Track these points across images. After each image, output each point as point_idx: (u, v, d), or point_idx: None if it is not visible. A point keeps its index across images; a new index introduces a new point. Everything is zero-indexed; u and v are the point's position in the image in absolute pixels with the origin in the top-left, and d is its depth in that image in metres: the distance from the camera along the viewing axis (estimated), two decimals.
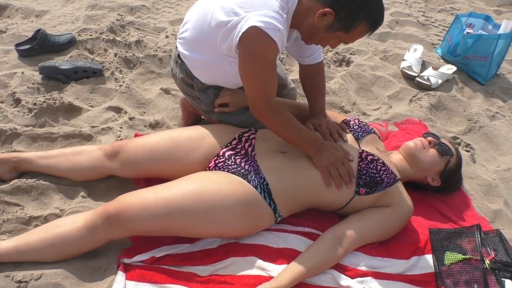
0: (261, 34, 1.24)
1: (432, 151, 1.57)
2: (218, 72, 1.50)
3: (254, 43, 1.26)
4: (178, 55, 1.58)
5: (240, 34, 1.25)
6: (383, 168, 1.43)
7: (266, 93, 1.37)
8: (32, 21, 2.64)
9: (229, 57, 1.38)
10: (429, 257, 1.44)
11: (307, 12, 1.32)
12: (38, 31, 2.26)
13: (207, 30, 1.40)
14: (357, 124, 1.62)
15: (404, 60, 2.57)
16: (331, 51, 2.65)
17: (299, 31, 1.41)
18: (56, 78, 2.09)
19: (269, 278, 1.29)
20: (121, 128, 1.85)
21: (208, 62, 1.47)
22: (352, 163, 1.44)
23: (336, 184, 1.40)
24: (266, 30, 1.23)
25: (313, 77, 1.66)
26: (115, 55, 2.33)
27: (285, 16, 1.30)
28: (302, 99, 2.13)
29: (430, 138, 1.61)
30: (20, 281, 1.23)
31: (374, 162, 1.44)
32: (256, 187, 1.36)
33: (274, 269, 1.32)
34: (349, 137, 1.55)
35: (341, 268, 1.36)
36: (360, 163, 1.43)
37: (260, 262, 1.33)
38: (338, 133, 1.54)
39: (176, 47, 1.59)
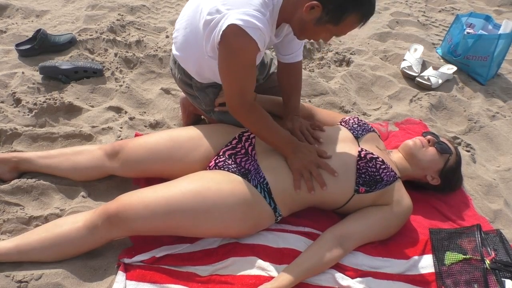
0: (240, 33, 1.22)
1: (431, 150, 1.57)
2: (208, 72, 1.50)
3: (233, 41, 1.25)
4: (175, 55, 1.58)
5: (221, 32, 1.24)
6: (382, 167, 1.43)
7: (242, 91, 1.36)
8: (32, 21, 2.64)
9: (213, 58, 1.36)
10: (429, 257, 1.44)
11: (295, 7, 1.28)
12: (38, 31, 2.26)
13: (196, 29, 1.39)
14: (357, 122, 1.62)
15: (404, 60, 2.57)
16: (332, 51, 2.65)
17: (290, 27, 1.39)
18: (57, 78, 2.09)
19: (269, 278, 1.29)
20: (121, 128, 1.85)
21: (198, 63, 1.48)
22: (350, 162, 1.43)
23: (308, 187, 1.39)
24: (245, 29, 1.21)
25: (290, 76, 1.64)
26: (115, 55, 2.33)
27: (268, 13, 1.28)
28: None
29: (429, 137, 1.61)
30: (20, 281, 1.23)
31: (373, 160, 1.43)
32: (256, 186, 1.36)
33: (274, 269, 1.32)
34: (348, 136, 1.55)
35: (341, 268, 1.36)
36: (359, 162, 1.43)
37: (260, 262, 1.33)
38: (313, 136, 1.54)
39: None
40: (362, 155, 1.44)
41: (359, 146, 1.51)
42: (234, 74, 1.33)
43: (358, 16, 1.25)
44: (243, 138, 1.51)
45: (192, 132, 1.54)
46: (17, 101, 1.93)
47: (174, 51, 1.54)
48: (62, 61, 2.14)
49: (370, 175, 1.42)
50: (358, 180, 1.42)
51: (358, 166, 1.43)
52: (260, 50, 1.29)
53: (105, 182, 1.59)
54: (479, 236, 1.42)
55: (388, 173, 1.44)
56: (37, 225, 1.42)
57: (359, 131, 1.58)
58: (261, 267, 1.32)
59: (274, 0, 1.30)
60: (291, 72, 1.64)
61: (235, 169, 1.42)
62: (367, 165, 1.42)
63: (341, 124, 1.65)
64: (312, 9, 1.23)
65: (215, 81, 1.57)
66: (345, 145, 1.50)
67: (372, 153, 1.45)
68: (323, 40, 1.36)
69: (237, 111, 1.40)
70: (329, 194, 1.42)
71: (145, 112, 2.02)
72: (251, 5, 1.24)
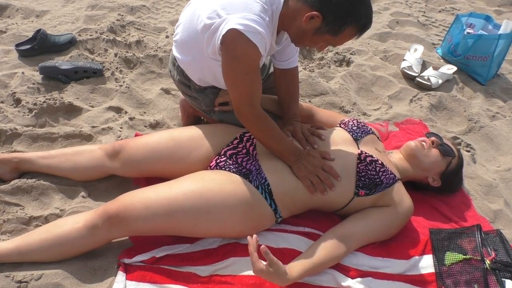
0: (241, 37, 1.23)
1: (434, 152, 1.57)
2: (209, 74, 1.49)
3: (235, 47, 1.25)
4: (175, 57, 1.58)
5: (221, 37, 1.25)
6: (382, 169, 1.43)
7: (250, 97, 1.36)
8: (32, 21, 2.63)
9: (216, 60, 1.37)
10: (429, 257, 1.44)
11: (295, 15, 1.29)
12: (38, 31, 2.26)
13: (194, 33, 1.39)
14: (356, 125, 1.62)
15: (404, 60, 2.57)
16: (331, 51, 2.65)
17: (288, 33, 1.40)
18: (56, 78, 2.09)
19: None
20: (121, 128, 1.85)
21: (198, 65, 1.47)
22: (350, 165, 1.44)
23: (320, 190, 1.39)
24: (246, 33, 1.22)
25: (287, 82, 1.65)
26: (115, 55, 2.33)
27: (267, 19, 1.28)
28: (301, 99, 2.13)
29: (433, 138, 1.61)
30: (20, 281, 1.23)
31: (373, 163, 1.43)
32: (257, 187, 1.36)
33: None
34: (348, 138, 1.55)
35: (342, 268, 1.36)
36: (359, 165, 1.43)
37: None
38: (314, 134, 1.54)
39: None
40: (362, 158, 1.44)
41: (358, 148, 1.51)
42: (239, 81, 1.32)
43: (356, 29, 1.29)
44: (244, 138, 1.51)
45: (193, 132, 1.54)
46: (17, 101, 1.93)
47: (174, 53, 1.55)
48: (62, 61, 2.14)
49: (369, 178, 1.42)
50: (358, 183, 1.42)
51: (358, 169, 1.43)
52: (262, 55, 1.29)
53: (105, 182, 1.59)
54: (479, 236, 1.42)
55: (387, 176, 1.43)
56: (37, 225, 1.42)
57: (358, 133, 1.57)
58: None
59: (273, 6, 1.30)
60: (289, 78, 1.64)
61: (236, 169, 1.42)
62: (366, 168, 1.42)
63: (340, 126, 1.65)
64: (312, 19, 1.25)
65: (213, 84, 1.57)
66: (345, 147, 1.50)
67: (371, 156, 1.45)
68: (318, 49, 1.38)
69: (247, 119, 1.40)
70: (329, 197, 1.42)
71: (145, 112, 2.02)
72: (250, 9, 1.25)
